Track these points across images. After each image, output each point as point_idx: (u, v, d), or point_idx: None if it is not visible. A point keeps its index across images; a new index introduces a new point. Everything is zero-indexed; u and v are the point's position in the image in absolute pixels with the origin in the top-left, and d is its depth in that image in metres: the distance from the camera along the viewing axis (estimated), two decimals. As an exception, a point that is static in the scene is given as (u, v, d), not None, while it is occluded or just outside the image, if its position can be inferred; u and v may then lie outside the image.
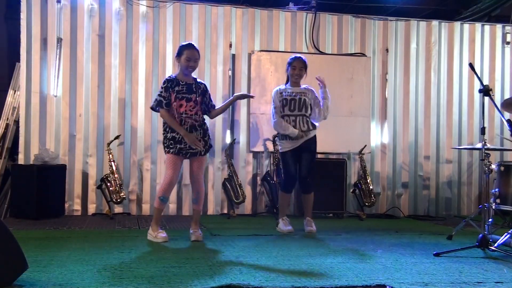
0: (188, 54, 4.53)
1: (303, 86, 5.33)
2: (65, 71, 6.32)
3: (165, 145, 4.62)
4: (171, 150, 4.56)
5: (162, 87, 4.57)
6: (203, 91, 4.68)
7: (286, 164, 5.30)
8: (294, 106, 5.19)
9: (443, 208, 7.30)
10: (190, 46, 4.62)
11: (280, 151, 5.42)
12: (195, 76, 4.71)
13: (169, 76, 4.66)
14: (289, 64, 5.30)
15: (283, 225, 5.31)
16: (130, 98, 6.48)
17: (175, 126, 4.53)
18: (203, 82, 4.78)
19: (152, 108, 4.65)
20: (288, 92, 5.25)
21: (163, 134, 4.64)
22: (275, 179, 6.46)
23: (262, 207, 6.79)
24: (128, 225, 5.54)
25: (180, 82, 4.57)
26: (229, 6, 6.81)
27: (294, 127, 5.17)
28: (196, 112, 4.59)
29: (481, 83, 4.29)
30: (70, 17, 6.35)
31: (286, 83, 5.39)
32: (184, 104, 4.53)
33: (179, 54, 4.59)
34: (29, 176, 5.77)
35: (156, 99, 4.56)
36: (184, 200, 6.59)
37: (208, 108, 4.75)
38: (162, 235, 4.56)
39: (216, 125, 6.67)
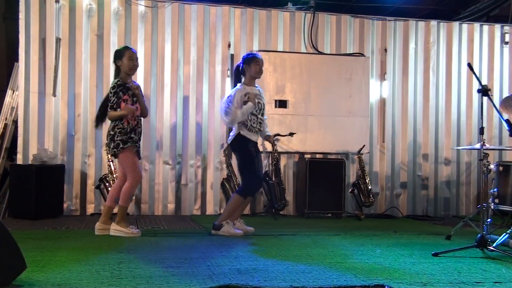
0: (129, 54, 4.81)
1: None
2: (64, 71, 6.32)
3: (120, 141, 4.71)
4: (129, 143, 4.72)
5: (117, 90, 4.71)
6: (141, 92, 4.98)
7: (254, 162, 5.01)
8: (259, 110, 5.04)
9: (441, 208, 7.31)
10: (127, 47, 4.97)
11: (243, 146, 4.98)
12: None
13: (119, 80, 4.79)
14: (252, 59, 5.00)
15: (233, 228, 5.01)
16: (128, 98, 6.48)
17: (120, 113, 4.69)
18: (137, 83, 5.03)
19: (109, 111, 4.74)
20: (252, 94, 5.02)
21: (113, 132, 4.74)
22: (273, 179, 6.46)
23: (260, 207, 6.79)
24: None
25: (130, 86, 4.82)
26: (228, 6, 6.80)
27: (259, 129, 5.05)
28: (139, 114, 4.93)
29: (480, 83, 4.29)
30: (69, 17, 6.35)
31: (238, 81, 5.10)
32: (137, 107, 4.83)
33: (119, 57, 4.81)
34: (27, 176, 5.76)
35: (114, 102, 4.70)
36: (183, 201, 6.59)
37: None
38: (136, 229, 4.86)
39: (214, 125, 6.67)
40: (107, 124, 4.95)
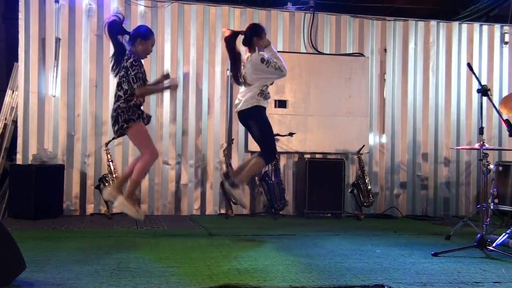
0: (153, 41, 4.70)
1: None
2: (63, 71, 6.32)
3: (131, 116, 4.41)
4: (142, 116, 4.49)
5: (139, 66, 4.45)
6: None
7: (271, 128, 4.99)
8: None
9: (441, 208, 7.31)
10: (153, 32, 4.74)
11: (260, 115, 4.90)
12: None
13: (137, 56, 4.52)
14: (263, 31, 5.06)
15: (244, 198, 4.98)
16: (128, 98, 6.47)
17: (157, 87, 4.87)
18: None
19: (135, 88, 4.42)
20: None
21: (125, 103, 4.42)
22: (273, 179, 6.46)
23: (260, 207, 6.79)
24: (126, 225, 5.52)
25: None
26: (228, 6, 6.80)
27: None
28: None
29: (479, 83, 4.30)
30: (68, 17, 6.34)
31: (251, 49, 5.02)
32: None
33: (146, 38, 4.57)
34: (27, 176, 5.76)
35: (139, 77, 4.40)
36: (182, 200, 6.59)
37: None
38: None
39: (214, 124, 6.67)
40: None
